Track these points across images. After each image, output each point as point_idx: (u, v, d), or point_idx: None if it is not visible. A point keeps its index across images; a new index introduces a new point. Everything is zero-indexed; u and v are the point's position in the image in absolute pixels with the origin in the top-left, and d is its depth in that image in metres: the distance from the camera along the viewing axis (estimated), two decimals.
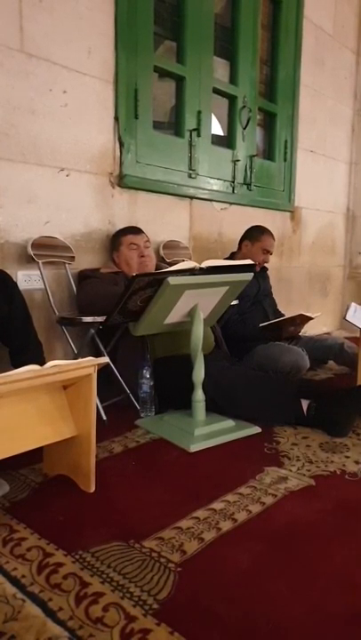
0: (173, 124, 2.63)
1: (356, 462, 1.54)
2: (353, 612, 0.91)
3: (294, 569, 1.03)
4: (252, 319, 2.57)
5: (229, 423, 1.76)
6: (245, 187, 2.97)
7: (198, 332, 1.74)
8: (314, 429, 1.80)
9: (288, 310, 2.83)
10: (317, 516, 1.23)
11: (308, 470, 1.48)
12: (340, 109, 3.82)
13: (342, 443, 1.70)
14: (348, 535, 1.15)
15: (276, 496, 1.32)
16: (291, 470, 1.48)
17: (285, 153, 3.28)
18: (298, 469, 1.48)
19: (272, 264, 2.94)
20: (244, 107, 2.88)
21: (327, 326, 3.98)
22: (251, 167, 2.96)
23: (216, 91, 2.76)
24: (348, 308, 2.15)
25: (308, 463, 1.53)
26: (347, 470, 1.49)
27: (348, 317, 2.06)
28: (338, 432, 1.75)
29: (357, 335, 2.31)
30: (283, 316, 2.69)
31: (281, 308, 2.90)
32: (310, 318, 2.49)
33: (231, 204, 2.90)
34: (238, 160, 2.88)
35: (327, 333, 3.81)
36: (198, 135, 2.63)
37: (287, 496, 1.32)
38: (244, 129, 2.89)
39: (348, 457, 1.58)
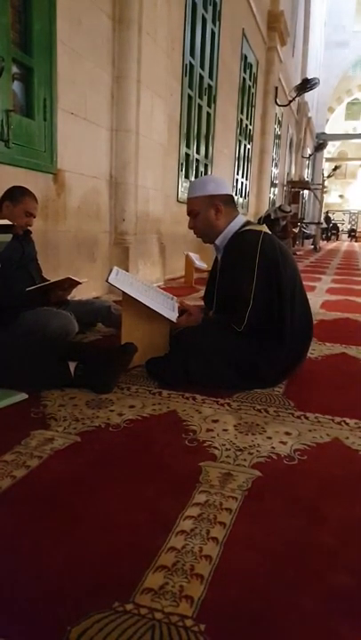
0: None
1: (120, 414, 1.64)
2: (112, 547, 0.98)
3: (58, 521, 1.06)
4: (17, 285, 2.46)
5: None
6: (3, 143, 2.77)
7: None
8: (81, 389, 1.84)
9: (56, 276, 2.78)
10: (81, 469, 1.27)
11: (75, 428, 1.51)
12: (99, 74, 3.83)
13: (108, 398, 1.78)
14: (109, 481, 1.23)
15: (41, 457, 1.32)
16: (57, 431, 1.49)
17: (45, 112, 3.15)
18: (64, 429, 1.51)
19: (37, 228, 2.84)
20: None
21: (97, 291, 4.08)
22: (8, 123, 2.77)
23: None
24: (110, 271, 2.22)
25: (74, 422, 1.56)
26: (111, 423, 1.57)
27: (110, 280, 2.13)
28: (103, 389, 1.83)
29: None
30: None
31: (49, 273, 2.84)
32: (78, 283, 2.50)
33: None
34: None
35: (97, 298, 3.91)
36: None
37: (53, 456, 1.33)
38: None
39: (112, 410, 1.67)
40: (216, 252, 2.17)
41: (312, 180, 22.42)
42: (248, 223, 2.07)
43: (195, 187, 2.08)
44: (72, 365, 1.86)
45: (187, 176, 6.33)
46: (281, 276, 1.91)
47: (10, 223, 1.85)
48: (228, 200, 2.05)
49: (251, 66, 9.49)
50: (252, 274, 1.88)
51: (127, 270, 3.99)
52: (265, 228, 2.02)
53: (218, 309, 2.10)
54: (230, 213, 2.05)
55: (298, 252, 12.10)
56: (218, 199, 2.01)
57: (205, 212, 2.02)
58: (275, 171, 13.50)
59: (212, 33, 6.72)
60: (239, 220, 2.06)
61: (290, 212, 9.87)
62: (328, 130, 27.57)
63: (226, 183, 2.14)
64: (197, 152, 6.68)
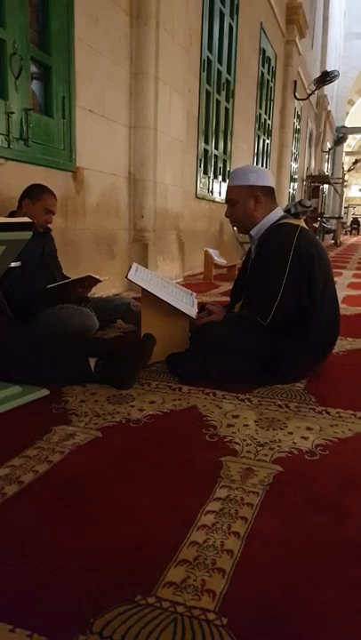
0: None
1: (140, 410, 1.64)
2: (134, 541, 0.98)
3: (80, 516, 1.06)
4: (38, 282, 2.49)
5: (14, 389, 1.69)
6: (22, 142, 2.80)
7: None
8: (102, 385, 1.85)
9: (77, 273, 2.81)
10: (102, 464, 1.28)
11: (96, 424, 1.52)
12: (117, 71, 3.83)
13: (128, 394, 1.79)
14: (130, 476, 1.23)
15: (63, 453, 1.33)
16: (78, 426, 1.50)
17: (64, 110, 3.17)
18: (85, 424, 1.52)
19: (57, 225, 2.87)
20: (14, 53, 2.67)
21: (116, 288, 4.09)
22: (27, 121, 2.79)
23: None
24: (130, 268, 2.23)
25: (95, 417, 1.57)
26: (132, 418, 1.57)
27: (129, 276, 2.13)
28: (123, 384, 1.84)
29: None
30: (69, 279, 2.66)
31: (69, 270, 2.86)
32: (98, 280, 2.52)
33: (7, 159, 2.71)
34: (12, 112, 2.68)
35: (116, 294, 3.93)
36: None
37: (74, 451, 1.34)
38: (17, 79, 2.69)
39: (133, 406, 1.68)
40: (250, 242, 2.16)
41: (332, 174, 22.14)
42: (285, 216, 2.05)
43: (236, 175, 2.04)
44: (92, 361, 1.87)
45: (205, 172, 6.31)
46: (314, 273, 1.88)
47: (30, 221, 1.86)
48: (269, 192, 2.03)
49: (269, 60, 9.40)
50: (285, 268, 1.86)
51: (146, 267, 4.00)
52: (302, 223, 2.00)
53: (247, 301, 2.09)
54: (269, 205, 2.03)
55: None
56: (258, 190, 1.99)
57: (244, 201, 2.00)
58: (294, 165, 13.36)
59: (230, 27, 6.67)
60: (277, 212, 2.05)
61: (310, 206, 9.77)
62: (348, 123, 27.16)
63: (268, 175, 2.11)
64: (216, 148, 6.65)
